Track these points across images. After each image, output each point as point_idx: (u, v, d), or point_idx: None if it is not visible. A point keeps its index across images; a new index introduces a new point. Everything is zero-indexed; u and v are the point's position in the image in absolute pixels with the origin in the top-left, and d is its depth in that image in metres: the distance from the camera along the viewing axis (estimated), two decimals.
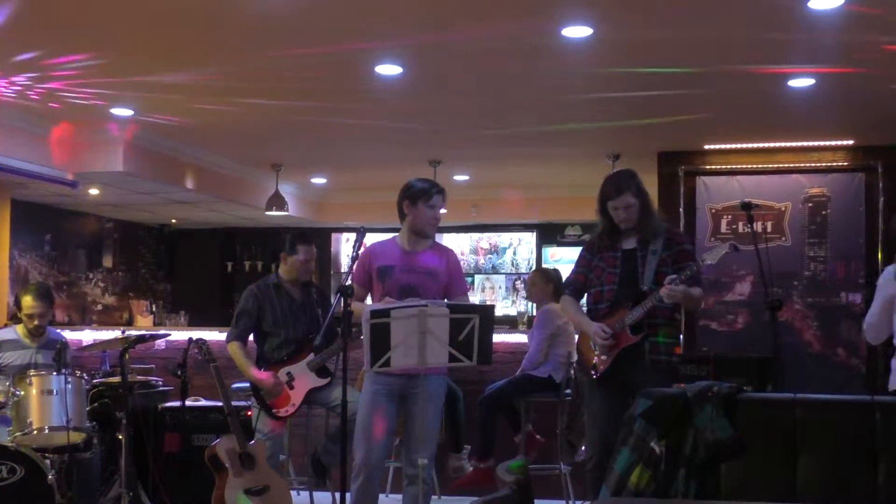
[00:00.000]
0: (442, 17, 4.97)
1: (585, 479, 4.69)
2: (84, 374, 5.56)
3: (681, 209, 8.20)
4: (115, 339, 5.71)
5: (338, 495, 4.54)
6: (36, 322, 5.78)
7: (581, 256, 4.74)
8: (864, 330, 4.69)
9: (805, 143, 7.97)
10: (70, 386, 5.29)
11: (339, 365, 4.54)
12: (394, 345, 4.06)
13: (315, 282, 6.20)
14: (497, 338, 6.78)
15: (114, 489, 5.70)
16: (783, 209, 8.05)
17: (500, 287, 12.22)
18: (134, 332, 6.21)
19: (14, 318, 6.36)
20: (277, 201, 9.42)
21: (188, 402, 6.06)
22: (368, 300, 4.84)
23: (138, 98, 6.62)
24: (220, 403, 5.59)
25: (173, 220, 11.83)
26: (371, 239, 4.95)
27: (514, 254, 12.22)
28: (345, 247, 12.44)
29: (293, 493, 5.67)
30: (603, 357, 4.50)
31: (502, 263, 12.24)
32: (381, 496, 5.12)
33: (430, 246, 4.83)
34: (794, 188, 8.06)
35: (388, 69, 5.81)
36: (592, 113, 7.01)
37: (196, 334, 5.67)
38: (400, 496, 4.88)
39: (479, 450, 6.15)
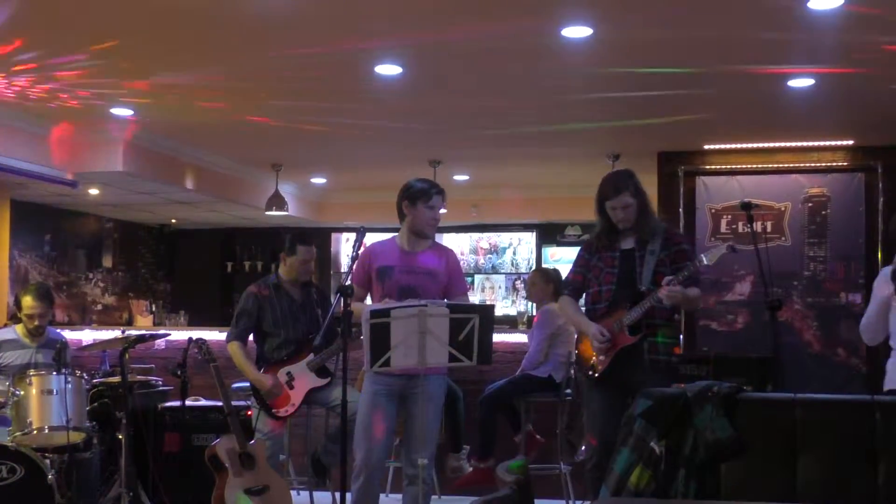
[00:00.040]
0: (442, 18, 4.97)
1: (585, 479, 4.69)
2: (84, 374, 5.56)
3: (681, 209, 8.20)
4: (115, 339, 5.71)
5: (338, 495, 4.54)
6: (36, 322, 5.78)
7: (579, 256, 4.73)
8: (860, 331, 4.68)
9: (805, 143, 7.97)
10: (70, 386, 5.29)
11: (339, 365, 4.54)
12: (394, 345, 4.06)
13: (315, 282, 6.20)
14: (497, 338, 6.77)
15: (114, 489, 5.70)
16: (783, 209, 8.05)
17: (500, 287, 12.22)
18: (134, 332, 6.21)
19: (14, 318, 6.36)
20: (277, 201, 9.42)
21: (188, 402, 6.06)
22: (368, 300, 4.83)
23: (138, 98, 6.62)
24: (220, 403, 5.59)
25: (173, 220, 11.83)
26: (371, 239, 4.95)
27: (514, 254, 12.22)
28: (345, 247, 12.44)
29: (293, 493, 5.67)
30: (601, 357, 4.50)
31: (502, 263, 12.24)
32: (382, 496, 5.12)
33: (430, 246, 4.83)
34: (794, 188, 8.06)
35: (388, 69, 5.81)
36: (592, 113, 7.01)
37: (196, 334, 5.67)
38: (400, 496, 4.88)
39: (479, 450, 6.15)
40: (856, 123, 7.32)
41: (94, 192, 9.03)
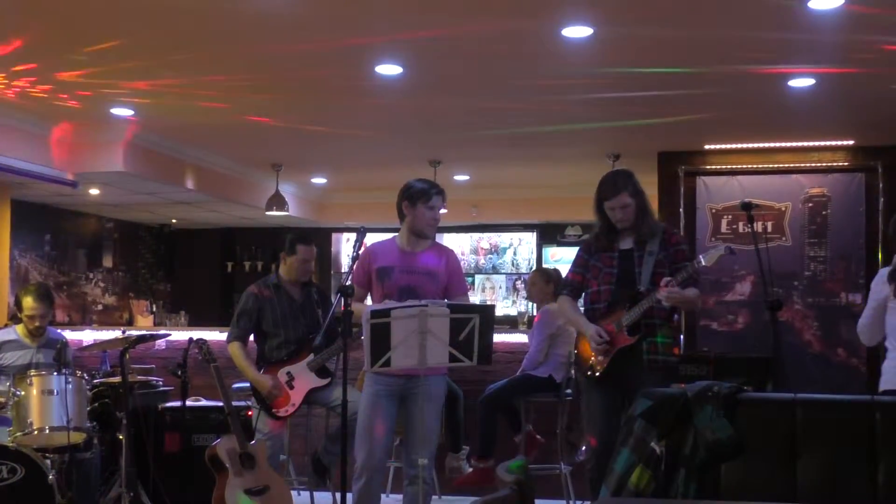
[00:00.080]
0: (442, 18, 4.97)
1: (585, 479, 4.69)
2: (84, 374, 5.56)
3: (681, 209, 8.20)
4: (116, 339, 5.70)
5: (338, 495, 4.54)
6: (37, 323, 5.78)
7: (578, 256, 4.73)
8: (858, 332, 4.69)
9: (805, 143, 7.97)
10: (70, 386, 5.28)
11: (340, 365, 4.53)
12: (394, 345, 4.06)
13: (315, 282, 6.20)
14: (497, 338, 6.77)
15: (114, 489, 5.70)
16: (783, 209, 8.05)
17: (500, 287, 12.22)
18: (134, 332, 6.21)
19: (14, 319, 6.36)
20: (277, 201, 9.43)
21: (188, 402, 6.05)
22: (368, 300, 4.83)
23: (138, 98, 6.62)
24: (220, 403, 5.59)
25: (173, 220, 11.84)
26: (371, 239, 4.95)
27: (515, 254, 12.23)
28: (345, 247, 12.44)
29: (293, 493, 5.66)
30: (600, 358, 4.50)
31: (502, 263, 12.25)
32: (382, 496, 5.12)
33: (430, 246, 4.82)
34: (794, 188, 8.06)
35: (388, 69, 5.81)
36: (592, 113, 7.02)
37: (196, 334, 5.66)
38: (400, 496, 4.88)
39: (479, 450, 6.15)
40: (856, 123, 7.33)
41: (94, 192, 9.03)
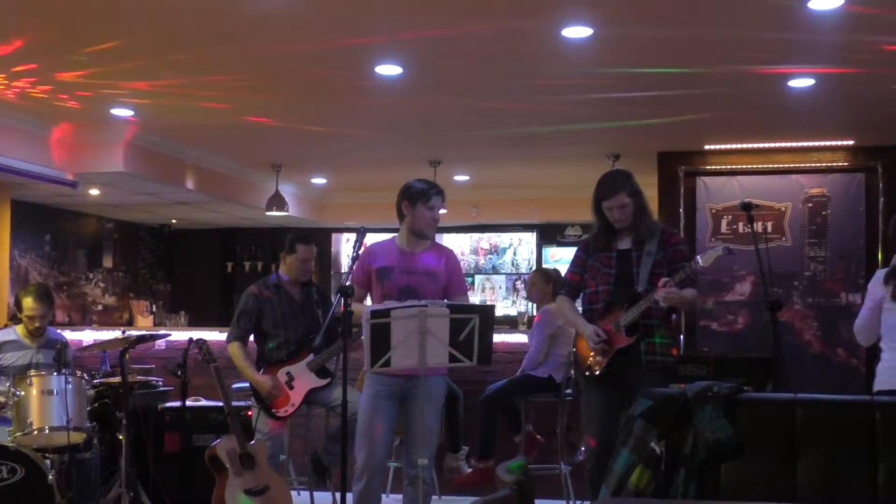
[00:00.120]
0: (442, 18, 4.97)
1: (585, 479, 4.68)
2: (84, 375, 5.56)
3: (681, 209, 8.20)
4: (116, 340, 5.71)
5: (338, 495, 4.54)
6: (37, 323, 5.78)
7: (576, 256, 4.73)
8: (854, 332, 4.70)
9: (805, 144, 7.97)
10: (70, 386, 5.28)
11: (340, 365, 4.53)
12: (394, 345, 4.06)
13: (315, 282, 6.20)
14: (497, 338, 6.77)
15: (114, 489, 5.70)
16: (783, 209, 8.05)
17: (500, 287, 12.22)
18: (134, 333, 6.21)
19: (14, 319, 6.36)
20: (277, 201, 9.43)
21: (188, 402, 6.05)
22: (368, 301, 4.83)
23: (138, 98, 6.62)
24: (220, 403, 5.59)
25: (173, 221, 11.84)
26: (371, 239, 4.95)
27: (515, 254, 12.23)
28: (345, 247, 12.45)
29: (293, 493, 5.67)
30: (598, 358, 4.50)
31: (502, 263, 12.25)
32: (382, 496, 5.12)
33: (430, 246, 4.82)
34: (794, 188, 8.06)
35: (388, 69, 5.81)
36: (592, 113, 7.02)
37: (196, 334, 5.66)
38: (400, 496, 4.88)
39: (479, 450, 6.15)
40: (856, 123, 7.32)
41: (94, 192, 9.03)
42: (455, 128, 7.56)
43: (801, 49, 5.45)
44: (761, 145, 8.06)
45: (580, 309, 4.70)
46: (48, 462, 5.12)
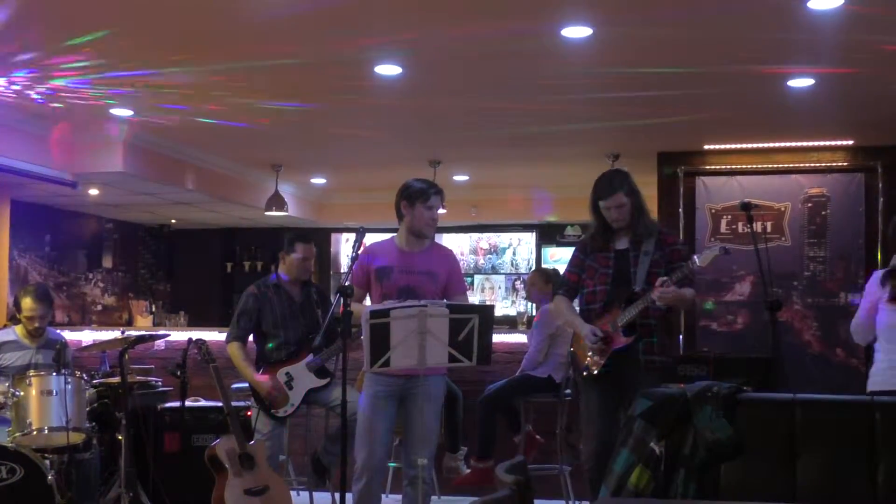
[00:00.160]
0: (442, 18, 4.97)
1: (585, 479, 4.68)
2: (84, 375, 5.56)
3: (680, 209, 8.20)
4: (115, 340, 5.70)
5: (338, 495, 4.53)
6: (36, 324, 5.77)
7: (574, 256, 4.73)
8: (851, 331, 4.70)
9: (805, 143, 7.97)
10: (70, 386, 5.28)
11: (339, 365, 4.53)
12: (393, 345, 4.06)
13: (315, 282, 6.20)
14: (497, 338, 6.77)
15: (113, 489, 5.70)
16: (783, 209, 8.05)
17: (499, 287, 12.22)
18: (133, 333, 6.21)
19: (13, 319, 6.36)
20: (277, 201, 9.42)
21: (188, 403, 6.05)
22: (368, 301, 4.83)
23: (138, 98, 6.62)
24: (219, 404, 5.59)
25: (173, 221, 11.83)
26: (371, 239, 4.95)
27: (514, 254, 12.23)
28: (345, 247, 12.44)
29: (293, 493, 5.66)
30: (596, 357, 4.49)
31: (502, 263, 12.25)
32: (382, 496, 5.12)
33: (429, 246, 4.82)
34: (794, 188, 8.06)
35: (388, 69, 5.81)
36: (592, 113, 7.01)
37: (196, 334, 5.66)
38: (399, 496, 4.88)
39: (478, 450, 6.15)
40: (856, 123, 7.32)
41: (94, 192, 9.03)
42: (455, 128, 7.56)
43: (801, 49, 5.45)
44: (761, 145, 8.05)
45: (578, 309, 4.70)
46: (47, 462, 5.12)
